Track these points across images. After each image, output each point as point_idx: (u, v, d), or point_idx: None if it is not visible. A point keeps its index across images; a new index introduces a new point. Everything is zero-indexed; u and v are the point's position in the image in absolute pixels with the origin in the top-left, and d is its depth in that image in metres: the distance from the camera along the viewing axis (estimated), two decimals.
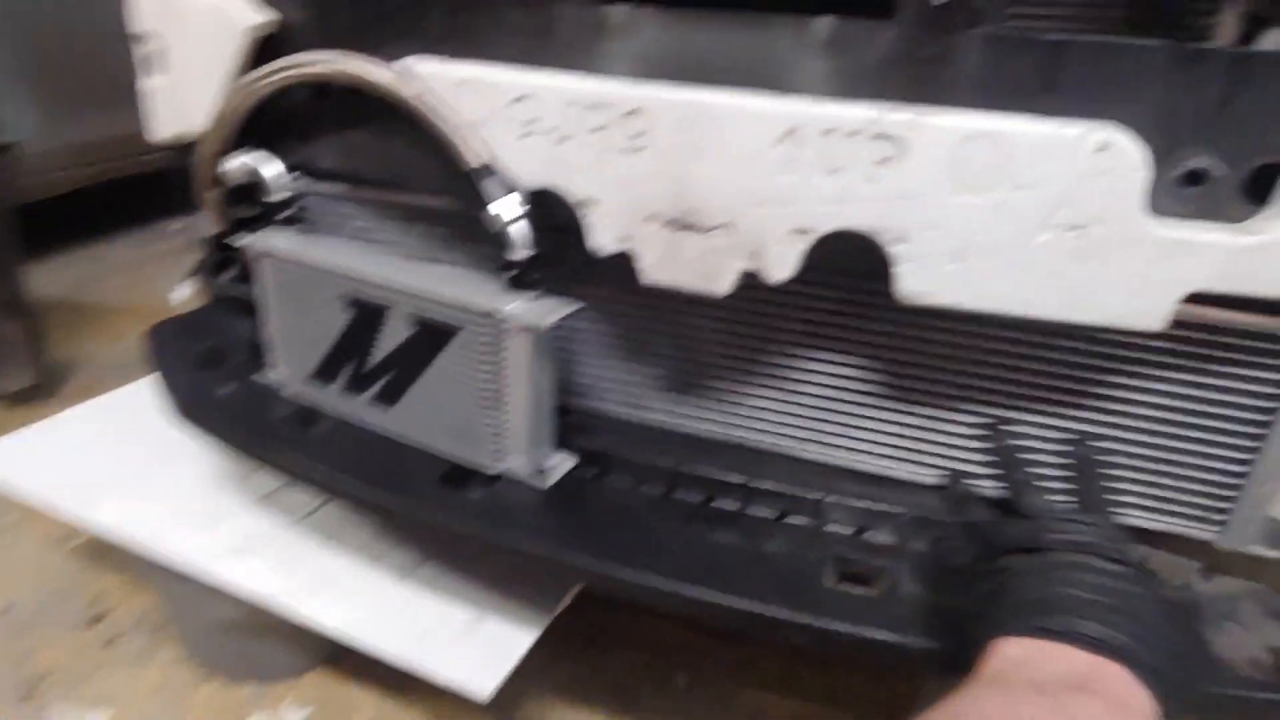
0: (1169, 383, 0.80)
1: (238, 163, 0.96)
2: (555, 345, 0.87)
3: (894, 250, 0.72)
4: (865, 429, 0.93)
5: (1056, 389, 0.84)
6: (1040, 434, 0.85)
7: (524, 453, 0.91)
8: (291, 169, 1.00)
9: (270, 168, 0.96)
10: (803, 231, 0.73)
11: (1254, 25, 0.80)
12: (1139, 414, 0.82)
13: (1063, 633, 0.57)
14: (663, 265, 0.79)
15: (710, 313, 0.92)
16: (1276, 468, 0.79)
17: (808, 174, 0.71)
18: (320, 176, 1.00)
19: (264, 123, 0.97)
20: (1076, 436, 0.82)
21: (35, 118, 2.39)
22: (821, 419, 0.94)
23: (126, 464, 1.26)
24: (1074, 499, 0.79)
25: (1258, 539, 0.82)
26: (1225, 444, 0.81)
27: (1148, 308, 0.70)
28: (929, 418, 0.90)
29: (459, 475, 0.94)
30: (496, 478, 0.93)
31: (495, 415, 0.89)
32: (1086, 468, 0.80)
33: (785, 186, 0.72)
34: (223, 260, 1.14)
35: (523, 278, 0.82)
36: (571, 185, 0.79)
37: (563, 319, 0.83)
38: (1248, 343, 0.76)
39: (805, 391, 0.94)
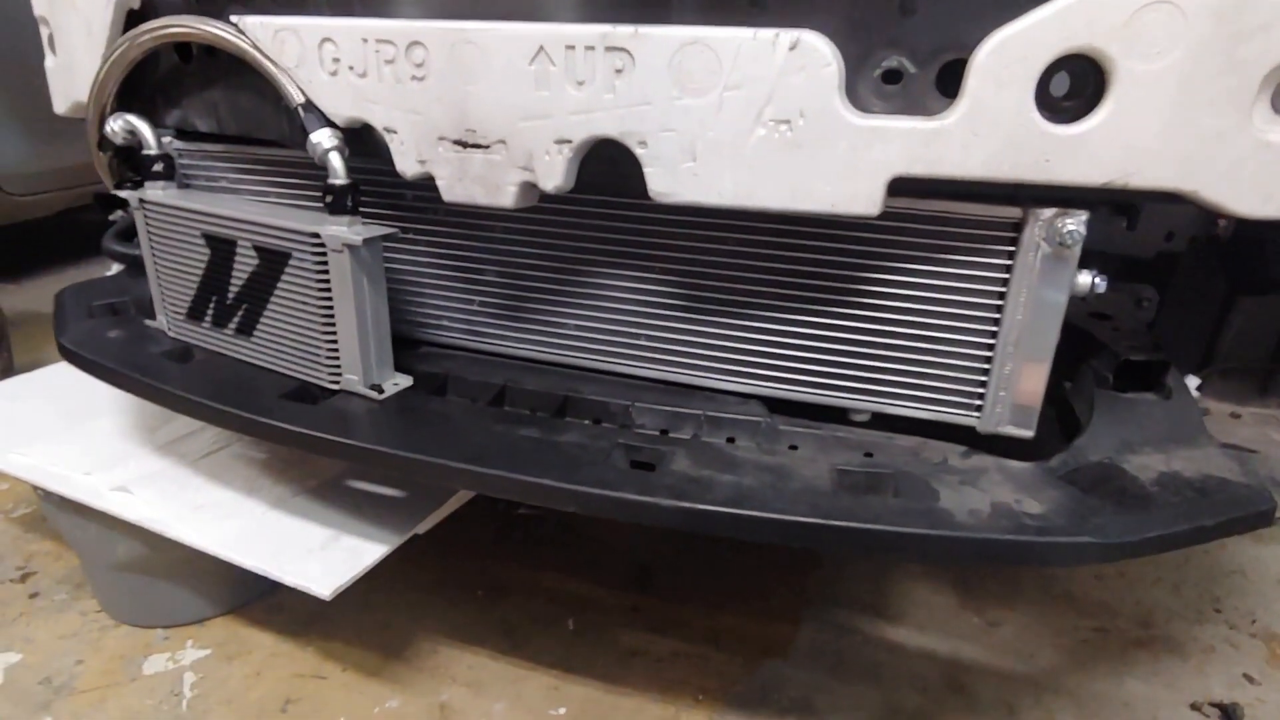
0: (910, 274, 0.88)
1: (117, 124, 1.08)
2: (378, 267, 0.97)
3: (639, 153, 0.81)
4: (669, 342, 1.01)
5: (820, 288, 0.92)
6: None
7: (358, 370, 1.00)
8: (166, 131, 1.12)
9: (144, 127, 1.07)
10: (564, 141, 0.83)
11: None
12: (892, 306, 0.90)
13: None
14: (456, 183, 0.89)
15: (526, 240, 1.02)
16: (1013, 351, 0.86)
17: (559, 88, 0.81)
18: (192, 138, 1.12)
19: (141, 90, 1.10)
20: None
21: (21, 147, 2.61)
22: (634, 336, 1.03)
23: (45, 422, 1.37)
24: None
25: (1007, 420, 0.89)
26: (969, 330, 0.88)
27: (859, 192, 0.78)
28: (719, 327, 0.98)
29: (304, 393, 1.03)
30: (335, 393, 1.02)
31: (330, 334, 0.98)
32: None
33: (543, 101, 0.82)
34: (125, 228, 1.25)
35: (339, 202, 0.92)
36: (374, 116, 0.90)
37: (378, 237, 0.93)
38: (970, 231, 0.85)
39: (616, 310, 1.03)
